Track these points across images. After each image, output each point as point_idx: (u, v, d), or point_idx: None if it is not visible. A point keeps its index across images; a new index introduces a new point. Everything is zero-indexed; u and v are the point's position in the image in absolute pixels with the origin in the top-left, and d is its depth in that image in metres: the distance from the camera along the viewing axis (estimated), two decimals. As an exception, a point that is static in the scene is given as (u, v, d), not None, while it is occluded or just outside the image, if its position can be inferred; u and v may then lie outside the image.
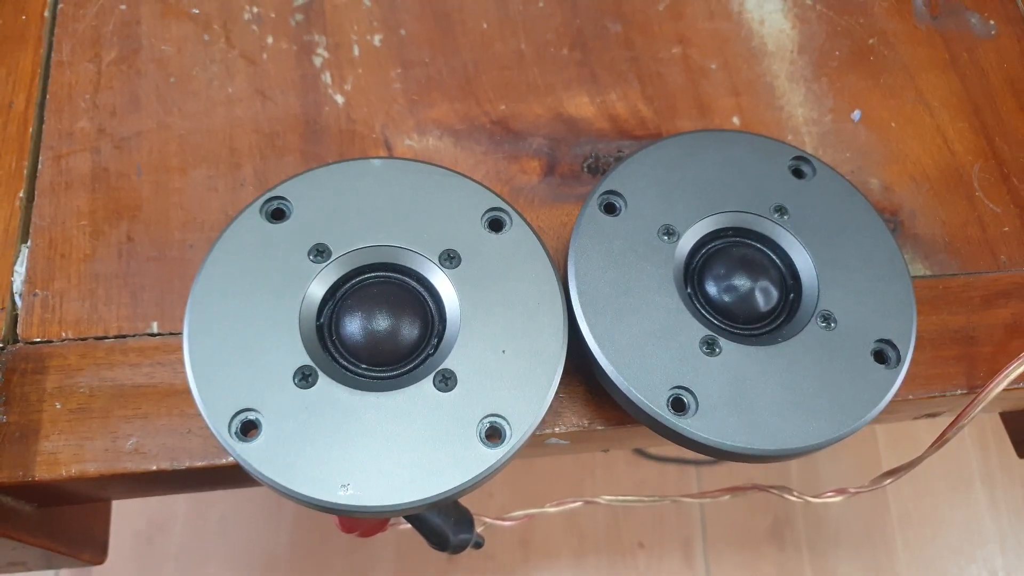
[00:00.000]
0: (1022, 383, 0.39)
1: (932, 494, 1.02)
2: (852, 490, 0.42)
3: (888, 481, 0.42)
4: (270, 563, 0.90)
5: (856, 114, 0.46)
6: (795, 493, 0.43)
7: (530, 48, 0.46)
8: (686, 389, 0.33)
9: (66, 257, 0.38)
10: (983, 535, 1.01)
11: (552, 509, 0.43)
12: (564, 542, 0.95)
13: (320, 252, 0.33)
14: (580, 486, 0.98)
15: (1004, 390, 0.37)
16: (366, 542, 0.90)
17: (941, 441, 0.39)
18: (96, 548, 0.44)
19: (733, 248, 0.36)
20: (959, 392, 0.39)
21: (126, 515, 0.90)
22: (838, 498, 0.42)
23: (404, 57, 0.45)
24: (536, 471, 0.96)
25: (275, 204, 0.34)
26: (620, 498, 0.44)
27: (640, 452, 1.01)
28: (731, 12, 0.48)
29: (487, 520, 0.43)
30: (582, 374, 0.37)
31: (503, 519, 0.43)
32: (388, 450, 0.30)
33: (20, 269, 0.38)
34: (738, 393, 0.33)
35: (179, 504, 0.92)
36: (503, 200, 0.35)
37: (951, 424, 0.38)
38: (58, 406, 0.35)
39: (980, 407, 0.37)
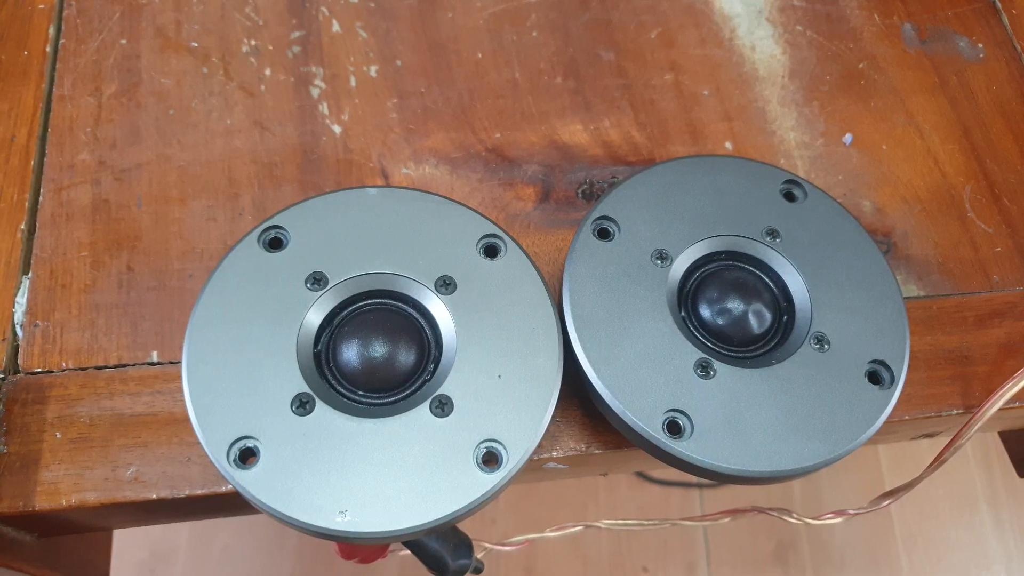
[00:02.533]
0: (1018, 402, 0.40)
1: (936, 516, 1.01)
2: (851, 511, 0.42)
3: (887, 502, 0.42)
4: (272, 592, 0.89)
5: (847, 137, 0.46)
6: (795, 515, 0.43)
7: (524, 77, 0.47)
8: (681, 412, 0.33)
9: (67, 288, 0.39)
10: (988, 556, 1.00)
11: (552, 534, 0.43)
12: (568, 568, 0.95)
13: (317, 280, 0.34)
14: (583, 511, 0.97)
15: (1001, 409, 0.38)
16: (368, 569, 0.89)
17: (939, 461, 0.39)
18: (96, 578, 0.44)
19: (726, 271, 0.37)
20: (955, 412, 0.40)
21: (128, 546, 0.90)
22: (838, 519, 0.42)
23: (400, 87, 0.46)
24: (538, 496, 0.96)
25: (273, 233, 0.35)
26: (620, 522, 0.44)
27: (643, 476, 1.00)
28: (722, 39, 0.49)
29: (488, 545, 0.43)
30: (578, 398, 0.37)
31: (504, 544, 0.43)
32: (385, 476, 0.30)
33: (21, 300, 0.38)
34: (733, 415, 0.33)
35: (182, 534, 0.91)
36: (497, 226, 0.36)
37: (948, 444, 0.38)
38: (58, 436, 0.35)
39: (977, 427, 0.38)
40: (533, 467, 0.38)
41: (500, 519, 0.93)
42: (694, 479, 1.02)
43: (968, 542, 1.00)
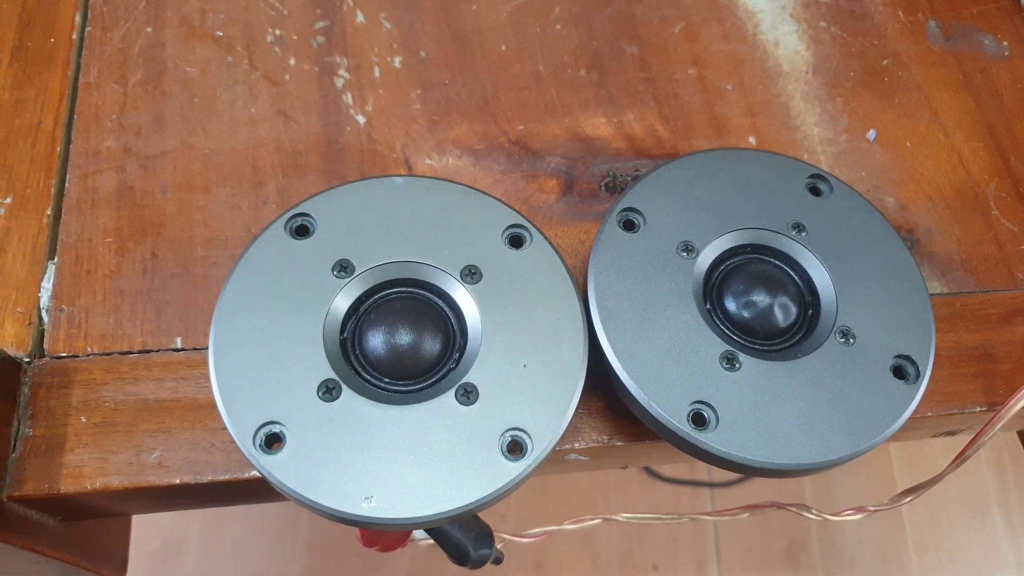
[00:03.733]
0: (1041, 401, 0.39)
1: (948, 518, 1.01)
2: (871, 508, 0.42)
3: (908, 499, 0.41)
4: (284, 584, 0.90)
5: (871, 134, 0.46)
6: (813, 511, 0.43)
7: (547, 70, 0.47)
8: (706, 404, 0.33)
9: (92, 273, 0.39)
10: (1000, 559, 1.00)
11: (571, 526, 0.43)
12: (578, 565, 0.95)
13: (344, 268, 0.34)
14: (595, 508, 0.97)
15: (1024, 407, 0.37)
16: (380, 564, 0.89)
17: (961, 458, 0.39)
18: (116, 563, 0.45)
19: (751, 264, 0.36)
20: (978, 409, 0.39)
21: (141, 537, 0.90)
22: (857, 516, 0.42)
23: (424, 78, 0.46)
24: (550, 492, 0.96)
25: (299, 221, 0.35)
26: (638, 516, 0.44)
27: (654, 475, 1.00)
28: (746, 34, 0.49)
29: (505, 536, 0.43)
30: (601, 389, 0.37)
31: (521, 535, 0.43)
32: (411, 463, 0.30)
33: (47, 285, 0.38)
34: (758, 408, 0.33)
35: (193, 526, 0.92)
36: (523, 217, 0.36)
37: (971, 441, 0.38)
38: (83, 420, 0.35)
39: (1000, 424, 0.37)
40: (554, 458, 0.38)
41: (512, 515, 0.93)
42: (705, 478, 1.02)
43: (980, 545, 1.00)
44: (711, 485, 1.00)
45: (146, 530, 0.91)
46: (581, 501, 0.98)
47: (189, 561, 0.91)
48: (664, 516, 0.45)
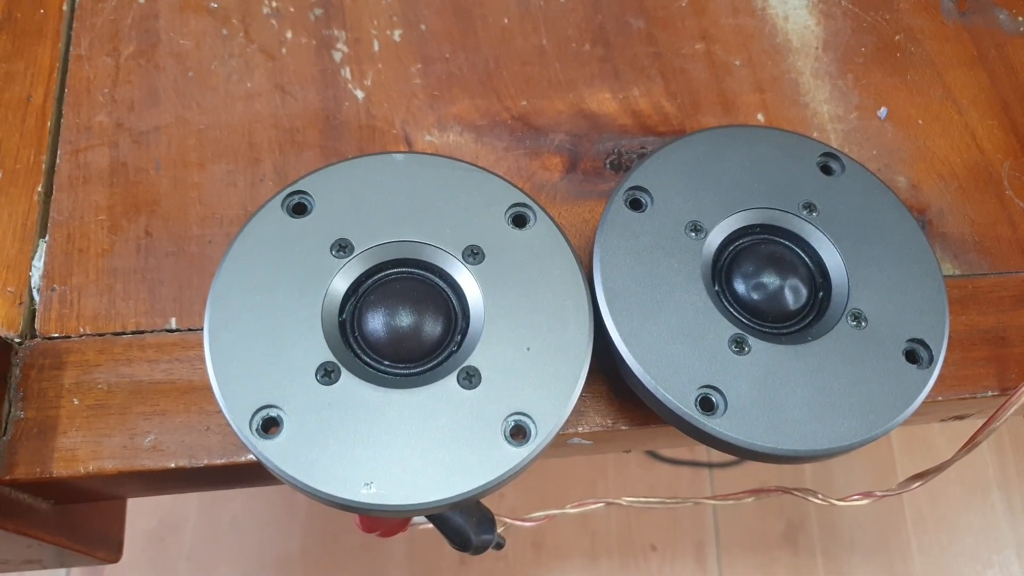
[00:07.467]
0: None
1: (948, 499, 1.01)
2: (879, 493, 0.41)
3: (916, 484, 0.41)
4: (282, 564, 0.89)
5: (882, 111, 0.45)
6: (819, 496, 0.42)
7: (551, 43, 0.45)
8: (714, 388, 0.32)
9: (84, 252, 0.38)
10: (1000, 540, 1.00)
11: (573, 510, 0.43)
12: (576, 544, 0.94)
13: (342, 247, 0.33)
14: (593, 488, 0.97)
15: (1036, 392, 0.37)
16: (378, 543, 0.89)
17: (972, 443, 0.38)
18: (111, 546, 0.44)
19: (761, 245, 0.36)
20: (990, 394, 0.39)
21: (138, 515, 0.90)
22: (865, 501, 0.42)
23: (424, 52, 0.45)
24: (548, 473, 0.96)
25: (297, 198, 0.34)
26: (641, 499, 0.44)
27: (653, 455, 1.00)
28: (755, 8, 0.48)
29: (507, 520, 0.42)
30: (606, 373, 0.37)
31: (523, 519, 0.43)
32: (412, 448, 0.30)
33: (38, 264, 0.37)
34: (767, 393, 0.32)
35: (191, 504, 0.91)
36: (527, 195, 0.35)
37: (983, 426, 0.37)
38: (76, 402, 0.35)
39: (1013, 409, 0.37)
40: (557, 442, 0.37)
41: (509, 494, 0.93)
42: (704, 458, 1.01)
43: (979, 526, 1.00)
44: (710, 466, 1.00)
45: (143, 508, 0.90)
46: (580, 481, 0.97)
47: (187, 539, 0.90)
48: (668, 500, 0.44)
